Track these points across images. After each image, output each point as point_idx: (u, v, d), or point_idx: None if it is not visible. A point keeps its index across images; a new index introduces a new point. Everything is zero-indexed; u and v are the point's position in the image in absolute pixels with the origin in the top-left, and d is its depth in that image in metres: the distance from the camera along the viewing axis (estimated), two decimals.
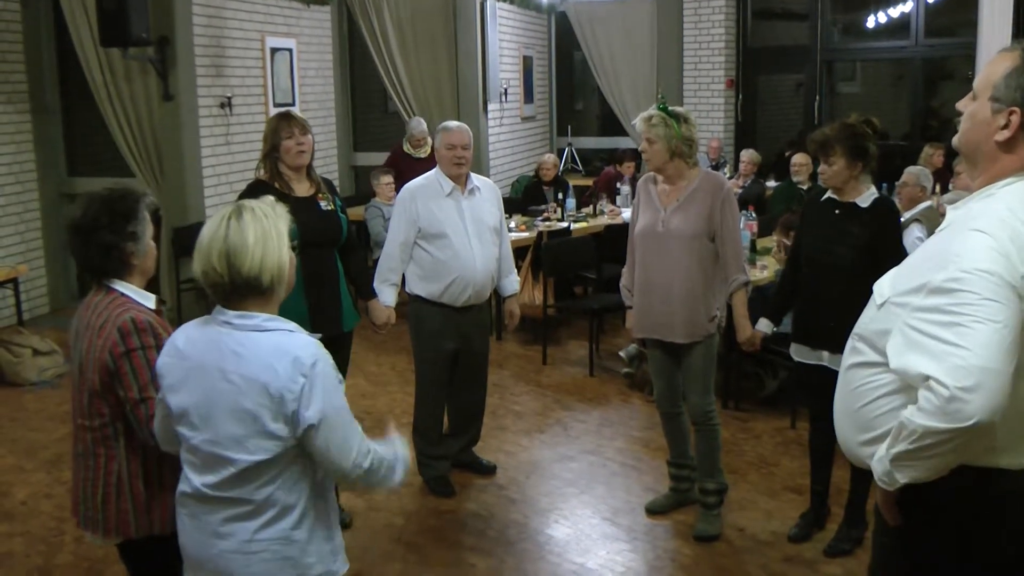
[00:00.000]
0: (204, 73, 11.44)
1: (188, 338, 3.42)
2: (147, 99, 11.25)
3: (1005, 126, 3.03)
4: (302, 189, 6.08)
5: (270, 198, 3.46)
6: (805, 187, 11.64)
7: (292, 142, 5.97)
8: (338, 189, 6.78)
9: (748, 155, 13.89)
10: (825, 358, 5.81)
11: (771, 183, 13.96)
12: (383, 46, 13.96)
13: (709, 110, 16.41)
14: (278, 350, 3.22)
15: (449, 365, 6.92)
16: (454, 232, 6.60)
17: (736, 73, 16.58)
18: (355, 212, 10.18)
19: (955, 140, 3.27)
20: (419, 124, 12.91)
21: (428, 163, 12.13)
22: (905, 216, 8.44)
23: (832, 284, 5.73)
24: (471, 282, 6.66)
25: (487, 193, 6.92)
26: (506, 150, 15.63)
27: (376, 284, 6.69)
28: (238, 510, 3.32)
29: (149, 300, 3.96)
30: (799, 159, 12.00)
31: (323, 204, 6.10)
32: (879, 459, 3.01)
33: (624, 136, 16.34)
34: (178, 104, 11.08)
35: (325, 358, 3.27)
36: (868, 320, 3.24)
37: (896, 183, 9.13)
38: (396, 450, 3.58)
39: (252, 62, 12.45)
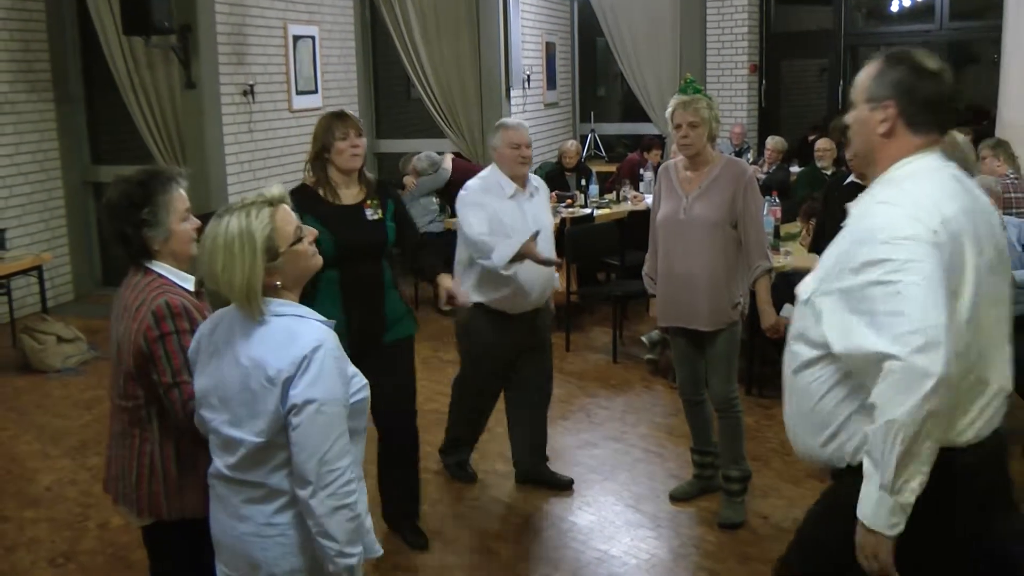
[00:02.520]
0: (226, 61, 11.45)
1: (213, 323, 3.47)
2: (170, 87, 11.29)
3: (884, 119, 3.32)
4: (350, 196, 5.62)
5: (270, 194, 3.39)
6: (829, 172, 11.58)
7: (346, 144, 5.50)
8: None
9: (773, 142, 13.82)
10: None
11: (794, 168, 13.90)
12: (405, 33, 13.93)
13: (732, 95, 16.35)
14: (284, 332, 3.25)
15: (503, 376, 6.72)
16: (520, 237, 6.07)
17: (759, 58, 16.52)
18: None
19: (849, 152, 3.62)
20: (429, 157, 12.44)
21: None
22: None
23: None
24: (534, 288, 6.36)
25: (543, 192, 6.64)
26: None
27: (486, 260, 6.10)
28: (254, 493, 3.34)
29: (188, 282, 3.97)
30: (823, 144, 11.94)
31: (369, 213, 5.62)
32: (876, 502, 3.02)
33: (646, 122, 16.31)
34: (200, 92, 11.10)
35: (331, 345, 3.26)
36: (798, 321, 3.41)
37: None
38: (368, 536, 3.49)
39: (274, 49, 12.45)
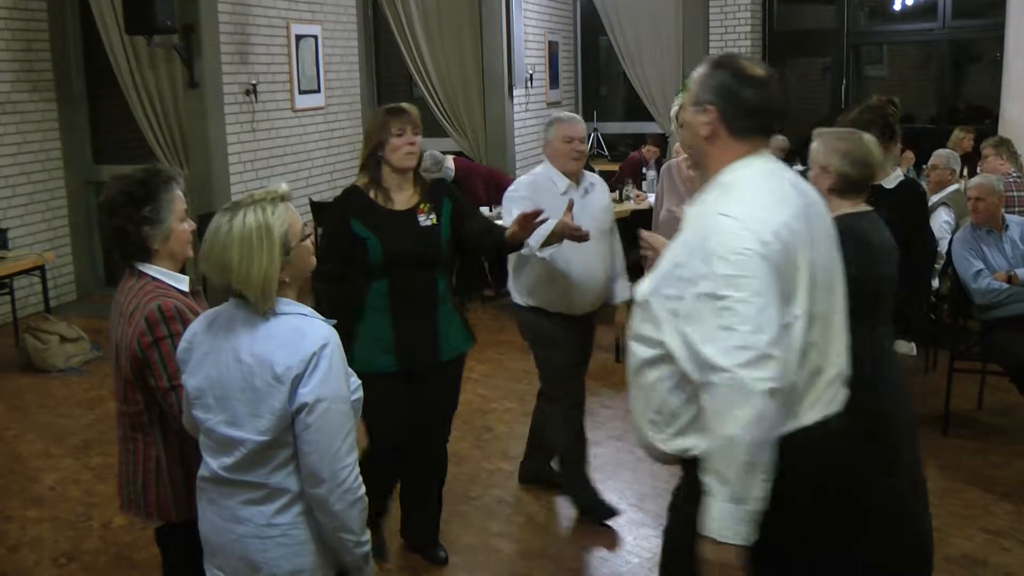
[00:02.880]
0: (229, 60, 11.45)
1: (207, 321, 3.45)
2: (172, 86, 11.30)
3: (706, 123, 3.39)
4: (403, 199, 5.27)
5: (279, 190, 3.37)
6: None
7: (403, 140, 5.15)
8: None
9: (775, 141, 13.75)
10: None
11: (797, 167, 13.86)
12: (408, 32, 13.94)
13: None
14: (290, 331, 3.23)
15: (580, 379, 6.44)
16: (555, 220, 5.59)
17: (762, 57, 16.43)
18: None
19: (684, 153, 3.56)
20: (432, 156, 12.06)
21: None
22: (933, 199, 8.41)
23: None
24: (591, 288, 6.09)
25: (601, 189, 6.35)
26: (531, 136, 15.57)
27: (524, 249, 5.62)
28: (254, 494, 3.32)
29: (182, 283, 3.94)
30: None
31: (422, 219, 5.24)
32: (725, 515, 3.05)
33: (649, 121, 16.29)
34: (203, 91, 11.10)
35: (336, 344, 3.27)
36: (637, 322, 3.43)
37: (924, 166, 9.09)
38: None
39: (277, 49, 12.45)
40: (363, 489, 3.32)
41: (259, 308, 3.25)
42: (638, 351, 3.41)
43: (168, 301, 3.77)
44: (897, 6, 16.16)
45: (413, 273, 5.20)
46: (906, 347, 5.62)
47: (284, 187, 3.39)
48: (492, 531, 6.22)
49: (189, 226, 4.02)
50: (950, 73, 15.76)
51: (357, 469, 3.29)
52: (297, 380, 3.17)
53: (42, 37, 11.86)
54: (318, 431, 3.18)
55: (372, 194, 5.24)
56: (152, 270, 3.90)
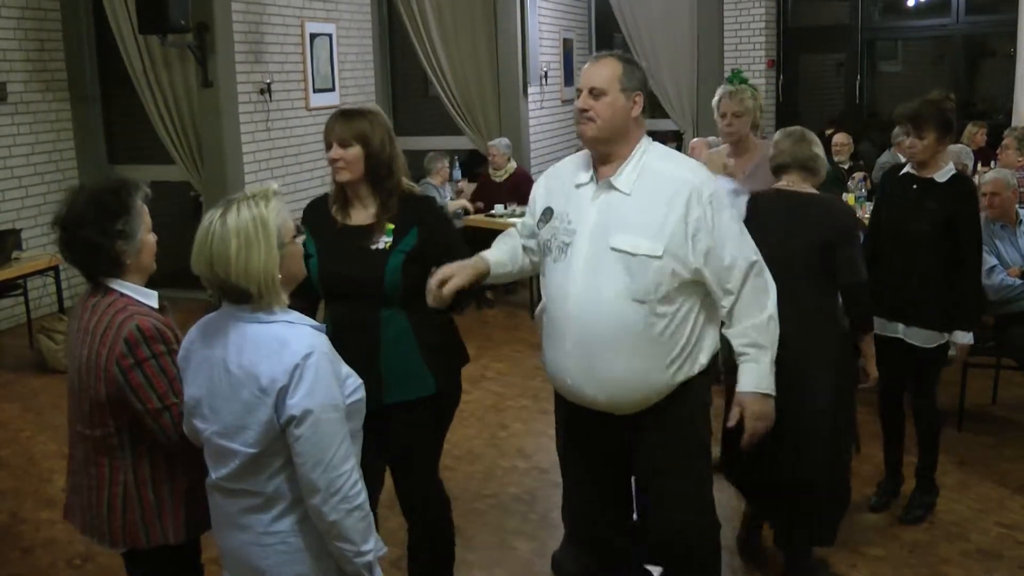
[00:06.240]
0: (243, 59, 11.45)
1: (201, 330, 3.40)
2: (186, 86, 11.30)
3: (634, 105, 4.13)
4: (362, 215, 4.44)
5: (270, 188, 3.27)
6: (846, 166, 11.58)
7: (329, 154, 4.40)
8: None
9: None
10: (900, 330, 5.81)
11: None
12: (423, 30, 13.93)
13: None
14: (274, 340, 3.18)
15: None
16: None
17: (777, 53, 16.46)
18: None
19: (594, 131, 4.11)
20: (502, 143, 12.53)
21: (506, 186, 12.16)
22: None
23: (909, 258, 5.76)
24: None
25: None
26: (547, 133, 15.56)
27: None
28: (251, 501, 3.30)
29: (151, 298, 3.76)
30: (840, 139, 11.93)
31: (377, 241, 4.37)
32: (768, 372, 4.22)
33: (664, 118, 16.26)
34: (217, 91, 11.10)
35: (323, 350, 3.20)
36: (624, 281, 4.05)
37: None
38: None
39: (291, 47, 12.45)
40: (363, 497, 3.25)
41: (261, 304, 3.20)
42: (630, 309, 4.03)
43: (145, 320, 3.61)
44: (911, 2, 16.16)
45: (352, 303, 4.43)
46: (964, 337, 5.75)
47: (275, 185, 3.30)
48: (508, 529, 6.19)
49: (154, 237, 3.82)
50: (964, 68, 15.73)
51: (355, 476, 3.23)
52: (283, 391, 3.11)
53: (55, 37, 11.86)
54: (308, 442, 3.13)
55: (333, 206, 4.54)
56: (121, 286, 3.71)
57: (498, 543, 6.04)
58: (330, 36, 13.29)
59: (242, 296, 3.18)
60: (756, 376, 4.16)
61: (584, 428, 4.46)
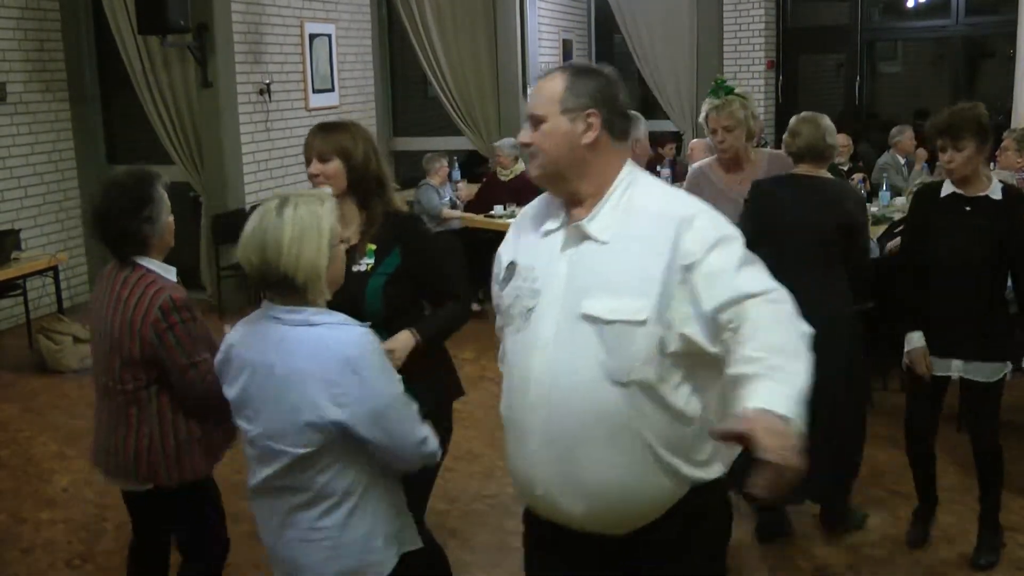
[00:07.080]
0: (243, 60, 11.46)
1: (241, 334, 3.43)
2: (186, 86, 11.32)
3: (587, 129, 3.04)
4: (344, 233, 3.76)
5: (324, 190, 3.40)
6: (845, 167, 11.61)
7: (309, 170, 4.27)
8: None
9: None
10: (958, 368, 5.36)
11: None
12: (422, 30, 13.94)
13: (749, 92, 16.28)
14: (322, 344, 3.19)
15: None
16: None
17: (776, 54, 16.45)
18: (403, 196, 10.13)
19: (536, 170, 3.16)
20: (507, 143, 12.39)
21: (511, 187, 12.13)
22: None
23: (968, 289, 5.25)
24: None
25: None
26: None
27: None
28: (298, 499, 3.32)
29: (171, 273, 4.27)
30: (839, 140, 11.91)
31: (358, 262, 4.19)
32: (796, 396, 2.68)
33: (664, 119, 16.26)
34: (217, 91, 11.13)
35: (372, 348, 3.26)
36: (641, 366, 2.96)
37: (937, 163, 9.05)
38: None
39: (291, 48, 12.45)
40: (431, 439, 3.43)
41: (305, 297, 3.23)
42: (644, 393, 2.96)
43: (177, 292, 4.15)
44: (910, 3, 16.15)
45: None
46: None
47: (328, 190, 3.51)
48: (507, 529, 6.17)
49: (171, 218, 4.33)
50: (963, 69, 15.72)
51: (426, 430, 3.41)
52: (337, 395, 3.15)
53: (55, 37, 11.86)
54: (388, 436, 3.26)
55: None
56: (148, 262, 4.24)
57: (498, 543, 6.03)
58: (330, 36, 13.29)
59: (287, 287, 3.21)
60: (768, 395, 2.68)
61: (561, 554, 3.32)
